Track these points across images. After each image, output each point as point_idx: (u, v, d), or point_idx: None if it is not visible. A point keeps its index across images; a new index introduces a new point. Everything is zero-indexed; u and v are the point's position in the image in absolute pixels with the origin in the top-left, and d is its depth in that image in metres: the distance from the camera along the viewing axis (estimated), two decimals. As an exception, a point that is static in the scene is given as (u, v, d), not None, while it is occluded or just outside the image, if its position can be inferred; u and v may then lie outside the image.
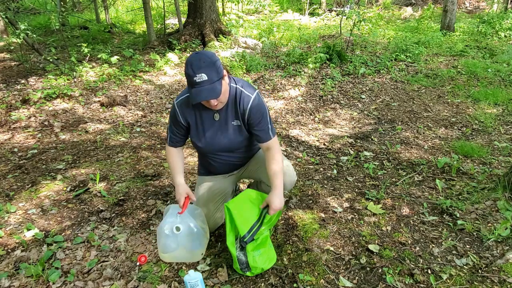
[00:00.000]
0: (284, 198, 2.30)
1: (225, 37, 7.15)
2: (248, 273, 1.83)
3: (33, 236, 2.14)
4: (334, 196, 2.58)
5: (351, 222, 2.27)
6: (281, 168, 1.86)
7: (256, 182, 2.27)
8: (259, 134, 1.87)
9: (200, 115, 1.87)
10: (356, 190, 2.69)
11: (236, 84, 1.85)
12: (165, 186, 2.76)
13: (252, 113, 1.83)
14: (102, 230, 2.22)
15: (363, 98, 4.88)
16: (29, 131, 3.86)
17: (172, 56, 6.32)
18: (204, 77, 1.61)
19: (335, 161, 3.22)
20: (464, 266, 1.87)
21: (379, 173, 2.96)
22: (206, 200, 2.07)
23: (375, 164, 3.09)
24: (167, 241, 1.82)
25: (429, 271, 1.84)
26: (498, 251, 1.96)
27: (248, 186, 2.50)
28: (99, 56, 6.16)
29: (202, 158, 2.14)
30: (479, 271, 1.82)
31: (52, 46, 6.50)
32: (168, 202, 2.54)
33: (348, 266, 1.90)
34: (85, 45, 6.13)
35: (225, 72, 1.73)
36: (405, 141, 3.62)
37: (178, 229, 1.81)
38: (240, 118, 1.87)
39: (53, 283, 1.79)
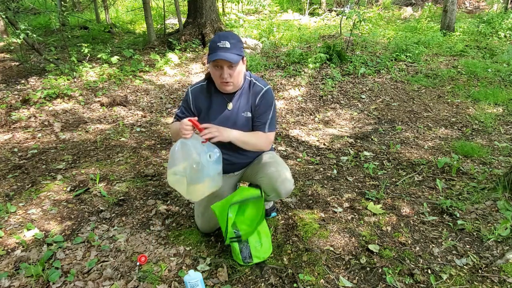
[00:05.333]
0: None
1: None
2: (250, 263, 1.89)
3: (33, 236, 2.14)
4: (334, 196, 2.58)
5: (351, 222, 2.27)
6: (257, 141, 1.94)
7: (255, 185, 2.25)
8: (257, 124, 1.95)
9: (214, 102, 1.94)
10: (356, 190, 2.69)
11: (250, 77, 1.96)
12: (165, 186, 2.76)
13: (261, 103, 1.92)
14: (102, 230, 2.22)
15: (363, 98, 4.88)
16: (29, 131, 3.86)
17: (172, 56, 6.32)
18: (227, 44, 1.74)
19: (335, 161, 3.22)
20: (464, 266, 1.87)
21: (379, 173, 2.96)
22: (206, 200, 2.06)
23: (375, 164, 3.09)
24: (208, 171, 1.76)
25: (429, 271, 1.84)
26: (498, 251, 1.96)
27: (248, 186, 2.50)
28: (99, 56, 6.16)
29: None
30: (479, 271, 1.82)
31: (52, 46, 6.51)
32: (168, 202, 2.54)
33: (348, 266, 1.90)
34: (85, 45, 6.14)
35: (244, 58, 1.86)
36: (405, 141, 3.62)
37: (210, 156, 1.77)
38: (251, 109, 1.94)
39: (53, 283, 1.78)
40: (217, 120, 1.92)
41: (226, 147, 1.97)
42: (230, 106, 1.93)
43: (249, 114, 1.94)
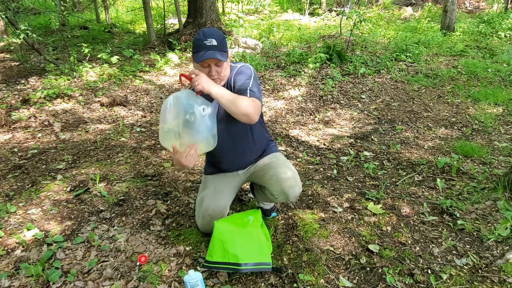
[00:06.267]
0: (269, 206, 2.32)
1: (225, 37, 7.15)
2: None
3: (33, 236, 2.14)
4: (334, 196, 2.58)
5: (351, 222, 2.27)
6: (242, 101, 1.71)
7: (260, 185, 2.23)
8: (237, 92, 1.80)
9: (203, 98, 1.86)
10: (356, 190, 2.69)
11: (233, 66, 1.93)
12: (165, 186, 2.76)
13: (237, 77, 1.85)
14: (102, 230, 2.22)
15: (363, 98, 4.88)
16: (29, 131, 3.86)
17: (172, 56, 6.32)
18: (214, 42, 1.72)
19: (335, 161, 3.22)
20: (464, 266, 1.87)
21: (379, 173, 2.96)
22: (209, 200, 2.06)
23: (375, 164, 3.09)
24: (201, 126, 1.66)
25: (429, 271, 1.84)
26: (498, 251, 1.96)
27: (250, 186, 2.49)
28: (99, 56, 6.16)
29: (209, 154, 2.14)
30: (479, 271, 1.82)
31: (50, 46, 6.50)
32: (168, 202, 2.54)
33: (348, 266, 1.90)
34: (85, 45, 6.14)
35: (229, 53, 1.83)
36: (405, 141, 3.62)
37: (204, 110, 1.68)
38: (231, 90, 1.85)
39: (53, 283, 1.78)
40: None
41: (227, 144, 1.96)
42: None
43: None
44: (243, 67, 1.90)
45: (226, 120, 1.88)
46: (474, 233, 2.12)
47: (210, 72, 1.77)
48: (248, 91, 1.79)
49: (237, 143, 2.01)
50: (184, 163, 1.69)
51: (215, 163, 2.12)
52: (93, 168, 3.03)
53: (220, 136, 1.81)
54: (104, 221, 2.32)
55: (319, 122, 4.27)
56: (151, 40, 7.23)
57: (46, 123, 4.08)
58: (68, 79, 5.33)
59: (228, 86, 1.88)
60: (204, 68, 1.78)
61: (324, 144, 3.64)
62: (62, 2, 8.77)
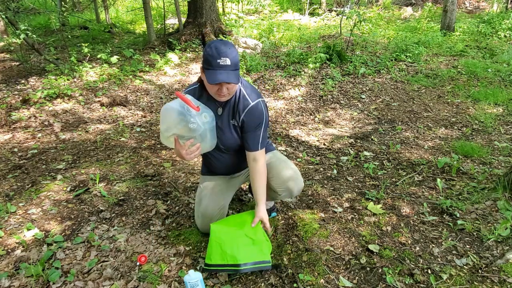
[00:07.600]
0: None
1: (225, 37, 7.15)
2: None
3: (33, 236, 2.14)
4: (334, 196, 2.58)
5: (351, 222, 2.27)
6: (264, 180, 1.91)
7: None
8: (248, 141, 1.88)
9: (206, 105, 1.87)
10: (356, 190, 2.69)
11: (241, 85, 1.85)
12: (165, 186, 2.76)
13: (248, 119, 1.83)
14: (102, 230, 2.22)
15: (363, 98, 4.88)
16: (29, 131, 3.86)
17: (172, 56, 6.32)
18: (228, 61, 1.65)
19: (335, 161, 3.22)
20: (464, 266, 1.87)
21: (379, 173, 2.96)
22: (208, 200, 2.06)
23: (375, 164, 3.09)
24: (202, 129, 1.72)
25: (429, 271, 1.84)
26: (498, 251, 1.96)
27: (250, 186, 2.50)
28: (99, 56, 6.16)
29: (205, 156, 2.14)
30: (479, 271, 1.82)
31: (51, 46, 6.50)
32: (168, 202, 2.54)
33: (348, 266, 1.90)
34: (85, 45, 6.14)
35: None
36: (405, 141, 3.62)
37: (206, 117, 1.74)
38: (237, 121, 1.87)
39: (53, 283, 1.79)
40: None
41: (223, 154, 1.97)
42: (220, 111, 1.88)
43: (236, 123, 1.88)
44: (255, 109, 1.83)
45: (221, 133, 1.89)
46: (474, 233, 2.12)
47: (220, 90, 1.71)
48: (260, 144, 1.89)
49: (234, 154, 2.01)
50: (185, 156, 1.75)
51: (211, 167, 2.12)
52: (93, 168, 3.03)
53: (216, 148, 1.86)
54: (104, 221, 2.32)
55: (319, 122, 4.27)
56: (151, 40, 7.23)
57: (46, 123, 4.08)
58: (68, 79, 5.32)
59: (237, 118, 1.84)
60: (215, 85, 1.72)
61: (324, 144, 3.64)
62: (62, 3, 8.76)
